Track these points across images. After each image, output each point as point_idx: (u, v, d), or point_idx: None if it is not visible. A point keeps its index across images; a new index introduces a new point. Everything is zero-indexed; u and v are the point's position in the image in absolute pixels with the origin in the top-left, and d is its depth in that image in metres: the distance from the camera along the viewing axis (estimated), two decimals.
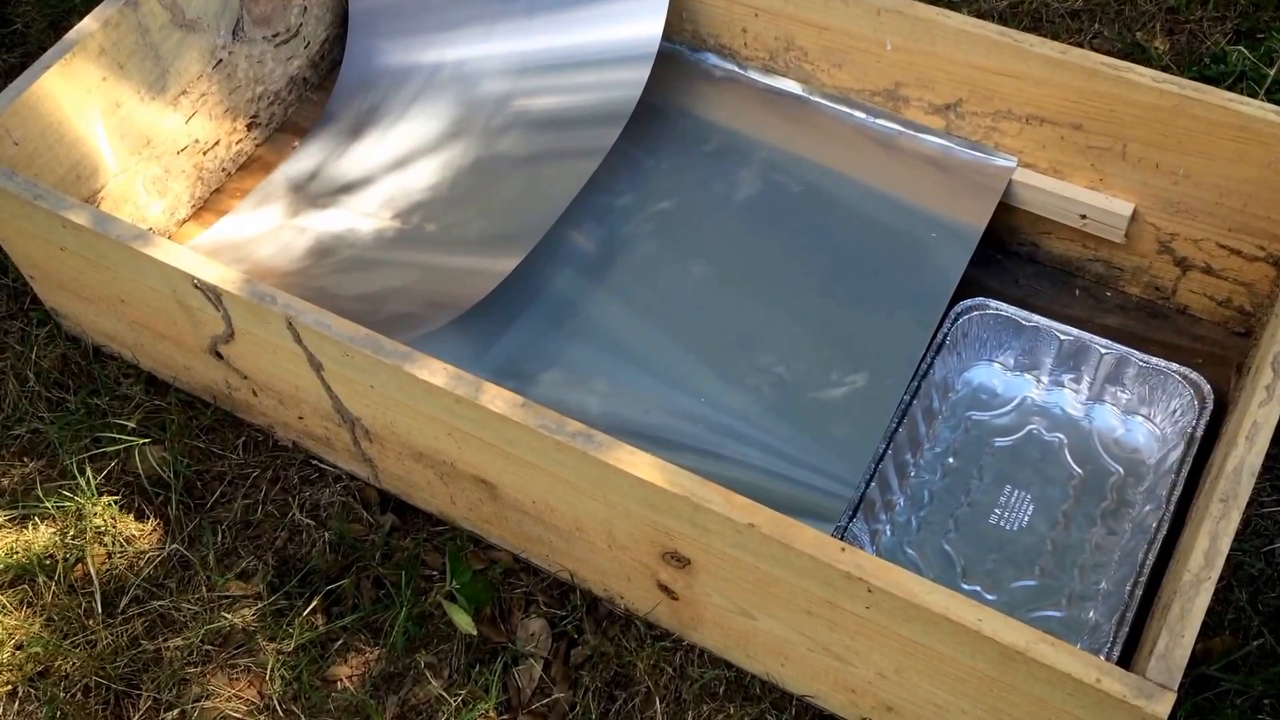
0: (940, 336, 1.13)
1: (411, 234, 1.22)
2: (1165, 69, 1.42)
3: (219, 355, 1.15)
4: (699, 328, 1.14)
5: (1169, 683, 0.78)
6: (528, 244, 1.12)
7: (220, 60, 1.33)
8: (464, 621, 1.08)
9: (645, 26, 1.23)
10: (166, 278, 1.08)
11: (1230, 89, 1.39)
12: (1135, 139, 1.09)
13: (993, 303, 1.15)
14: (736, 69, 1.29)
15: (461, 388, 0.95)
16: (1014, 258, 1.25)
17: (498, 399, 0.94)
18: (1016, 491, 1.10)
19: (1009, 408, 1.15)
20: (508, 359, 1.12)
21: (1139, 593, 0.99)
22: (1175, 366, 1.10)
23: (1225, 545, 0.83)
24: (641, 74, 1.22)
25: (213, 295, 1.06)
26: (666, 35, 1.31)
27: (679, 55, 1.31)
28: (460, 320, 1.14)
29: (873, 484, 1.06)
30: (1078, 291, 1.23)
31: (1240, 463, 0.86)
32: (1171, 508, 1.03)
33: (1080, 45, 1.47)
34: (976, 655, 0.83)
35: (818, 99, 1.25)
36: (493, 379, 1.11)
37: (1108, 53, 1.43)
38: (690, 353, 1.12)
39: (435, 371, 0.96)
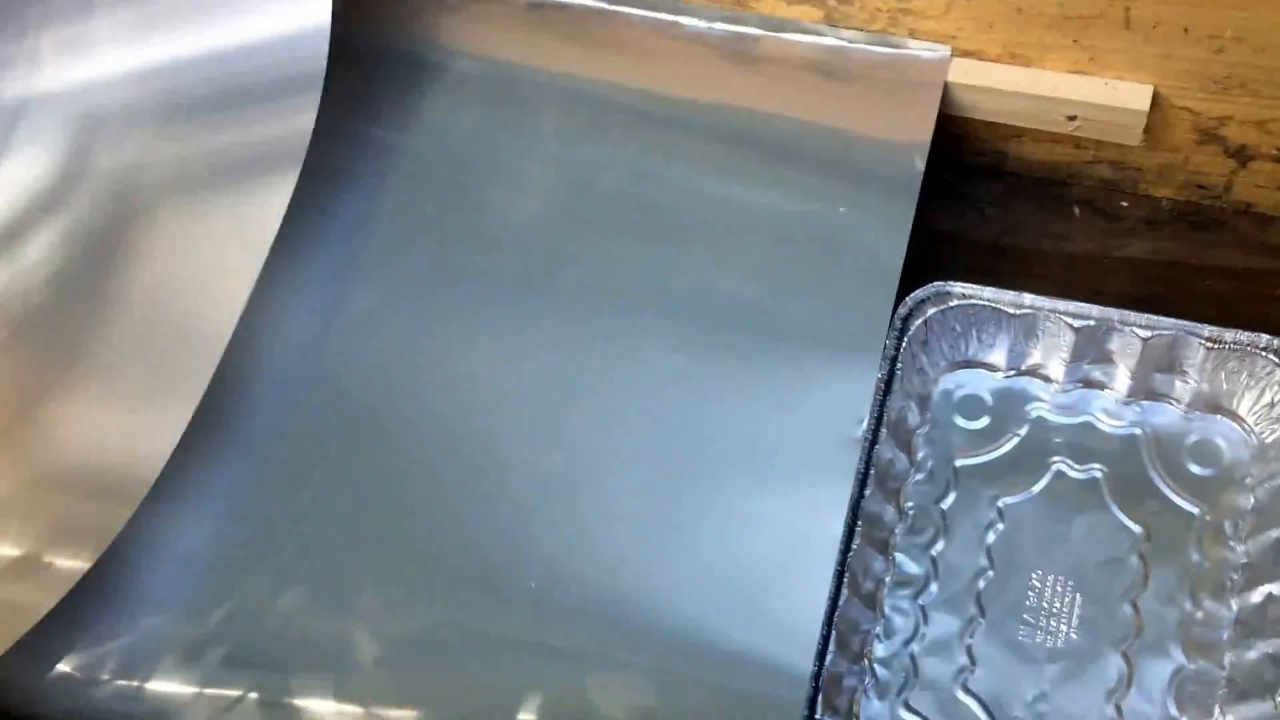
0: (883, 370, 0.72)
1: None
2: None
3: None
4: (508, 460, 0.71)
5: None
6: (200, 384, 0.69)
7: None
8: None
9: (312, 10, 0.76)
10: None
11: None
12: None
13: (957, 286, 0.73)
14: None
15: None
16: (974, 175, 0.82)
17: None
18: (1050, 578, 0.70)
19: (1010, 439, 0.74)
20: (217, 593, 0.70)
21: None
22: (1265, 339, 0.69)
23: None
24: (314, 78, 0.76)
25: None
26: None
27: None
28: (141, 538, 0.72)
29: (837, 624, 0.67)
30: (1077, 209, 0.80)
31: None
32: None
33: None
34: None
35: (622, 6, 0.80)
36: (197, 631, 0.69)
37: None
38: (499, 504, 0.70)
39: None
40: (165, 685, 0.65)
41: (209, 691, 0.65)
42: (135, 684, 0.65)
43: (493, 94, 0.80)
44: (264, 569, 0.69)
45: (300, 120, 0.77)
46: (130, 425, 0.69)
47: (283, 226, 0.74)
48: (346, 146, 0.80)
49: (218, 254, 0.76)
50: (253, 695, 0.64)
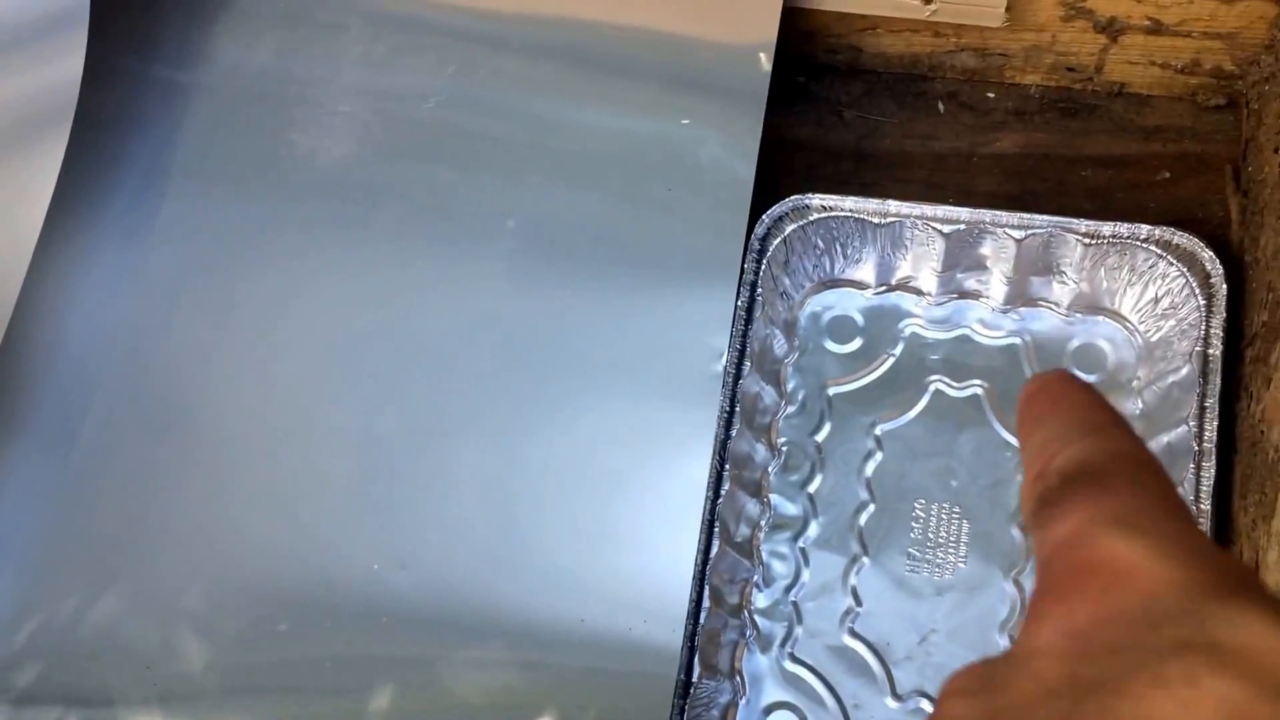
0: (742, 296, 0.65)
1: None
2: None
3: None
4: (339, 429, 0.64)
5: None
6: None
7: None
8: None
9: None
10: None
11: None
12: None
13: (815, 198, 0.67)
14: None
15: None
16: (829, 75, 0.76)
17: None
18: (935, 506, 0.66)
19: (884, 360, 0.68)
20: (20, 606, 0.62)
21: None
22: (1145, 230, 0.64)
23: None
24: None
25: None
26: None
27: None
28: None
29: (710, 579, 0.62)
30: (942, 105, 0.74)
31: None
32: (1207, 471, 0.60)
33: None
34: None
35: None
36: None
37: None
38: (332, 480, 0.63)
39: None
40: None
41: None
42: None
43: (288, 20, 0.72)
44: (73, 576, 0.61)
45: (68, 64, 0.67)
46: None
47: (65, 186, 0.65)
48: (129, 90, 0.71)
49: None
50: None
